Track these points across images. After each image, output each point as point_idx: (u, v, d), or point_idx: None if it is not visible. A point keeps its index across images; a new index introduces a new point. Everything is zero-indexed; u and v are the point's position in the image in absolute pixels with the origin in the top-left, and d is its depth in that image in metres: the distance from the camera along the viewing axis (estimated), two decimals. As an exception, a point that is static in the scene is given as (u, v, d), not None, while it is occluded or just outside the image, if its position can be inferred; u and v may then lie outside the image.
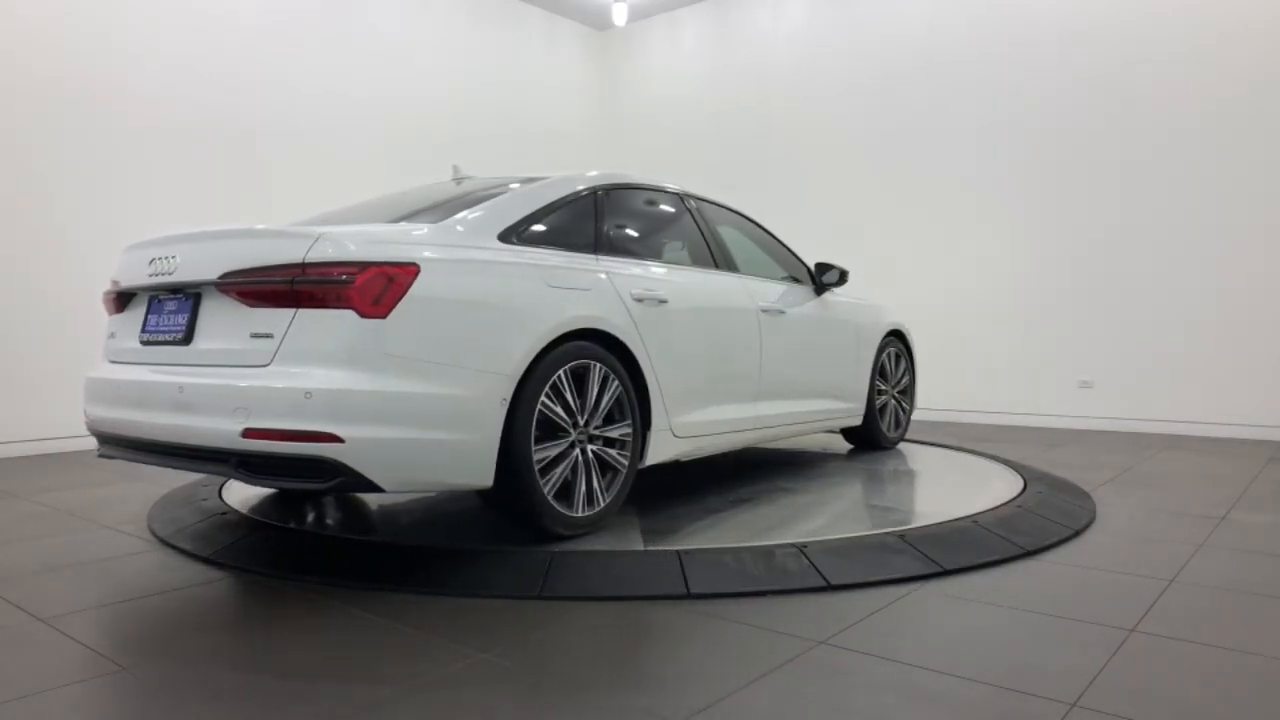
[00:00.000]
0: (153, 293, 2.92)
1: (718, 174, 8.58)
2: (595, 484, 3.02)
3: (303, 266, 2.48)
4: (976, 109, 7.32)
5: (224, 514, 3.40)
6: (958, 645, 2.14)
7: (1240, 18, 6.16)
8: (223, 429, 2.45)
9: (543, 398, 2.82)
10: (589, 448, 3.01)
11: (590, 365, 2.99)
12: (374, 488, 2.46)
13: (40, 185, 5.62)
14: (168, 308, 2.85)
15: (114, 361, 3.04)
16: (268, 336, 2.51)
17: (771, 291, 4.15)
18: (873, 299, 5.24)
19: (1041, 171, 7.00)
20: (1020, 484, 3.93)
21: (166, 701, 1.84)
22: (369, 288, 2.48)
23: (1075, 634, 2.22)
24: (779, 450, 5.21)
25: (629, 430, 3.14)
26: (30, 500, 4.07)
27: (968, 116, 7.36)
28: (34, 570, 2.88)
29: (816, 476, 4.24)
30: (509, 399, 2.71)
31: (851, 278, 4.67)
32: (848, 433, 5.12)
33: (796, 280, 4.49)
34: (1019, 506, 3.44)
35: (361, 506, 3.64)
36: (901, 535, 2.96)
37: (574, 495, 2.93)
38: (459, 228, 2.89)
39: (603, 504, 3.05)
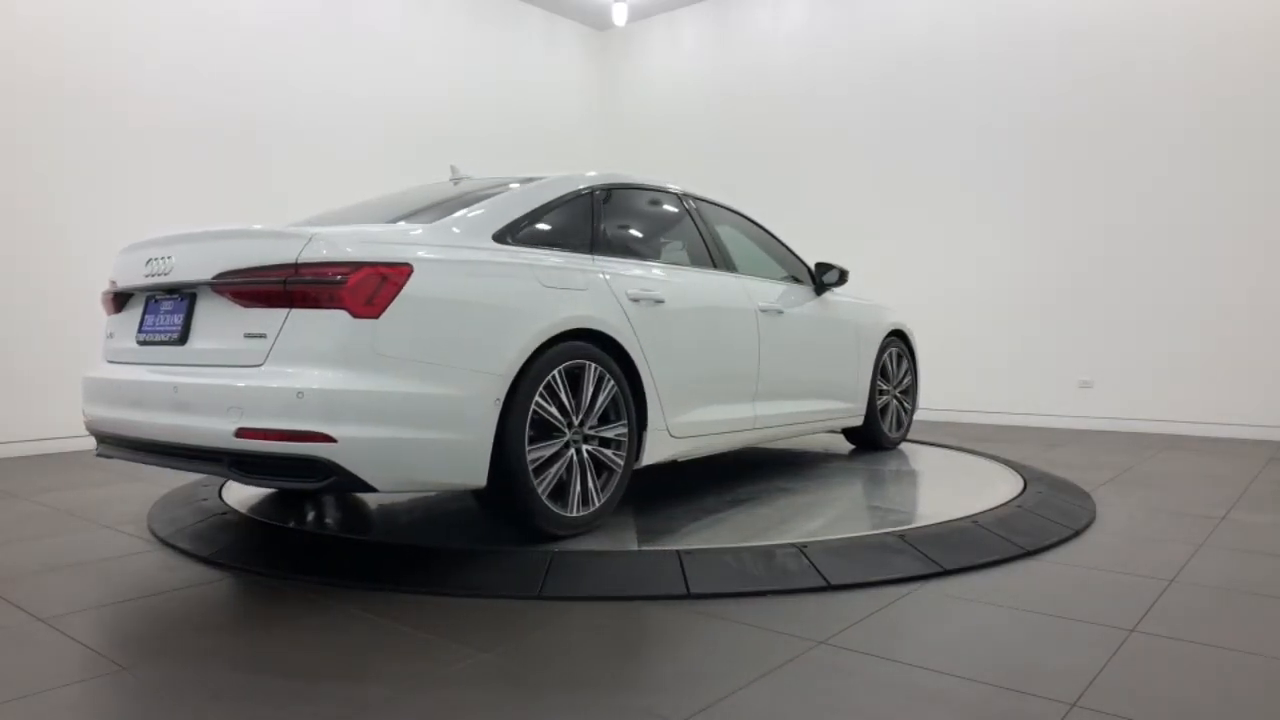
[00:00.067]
0: (149, 293, 2.93)
1: (718, 174, 8.58)
2: (590, 484, 3.02)
3: (295, 267, 2.49)
4: (977, 109, 7.32)
5: (224, 514, 3.40)
6: (958, 645, 2.14)
7: (1240, 18, 6.16)
8: (216, 429, 2.47)
9: (537, 398, 2.82)
10: (584, 448, 3.01)
11: (585, 365, 2.99)
12: (367, 487, 2.46)
13: (40, 185, 5.62)
14: (164, 308, 2.86)
15: (112, 361, 3.06)
16: (261, 336, 2.52)
17: (770, 291, 4.15)
18: (874, 299, 5.24)
19: (1042, 171, 7.00)
20: (1020, 484, 3.93)
21: (166, 701, 1.84)
22: (361, 288, 2.48)
23: (1075, 634, 2.22)
24: (780, 450, 5.21)
25: (624, 430, 3.14)
26: (30, 500, 4.07)
27: (968, 116, 7.36)
28: (34, 570, 2.88)
29: (817, 476, 4.24)
30: (502, 399, 2.71)
31: (852, 277, 4.67)
32: (849, 433, 5.11)
33: (796, 280, 4.49)
34: (1019, 506, 3.44)
35: (361, 506, 3.64)
36: (902, 535, 2.96)
37: (569, 495, 2.93)
38: (453, 228, 2.90)
39: (598, 504, 3.05)
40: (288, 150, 6.85)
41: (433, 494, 3.79)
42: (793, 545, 2.81)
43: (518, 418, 2.75)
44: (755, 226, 4.49)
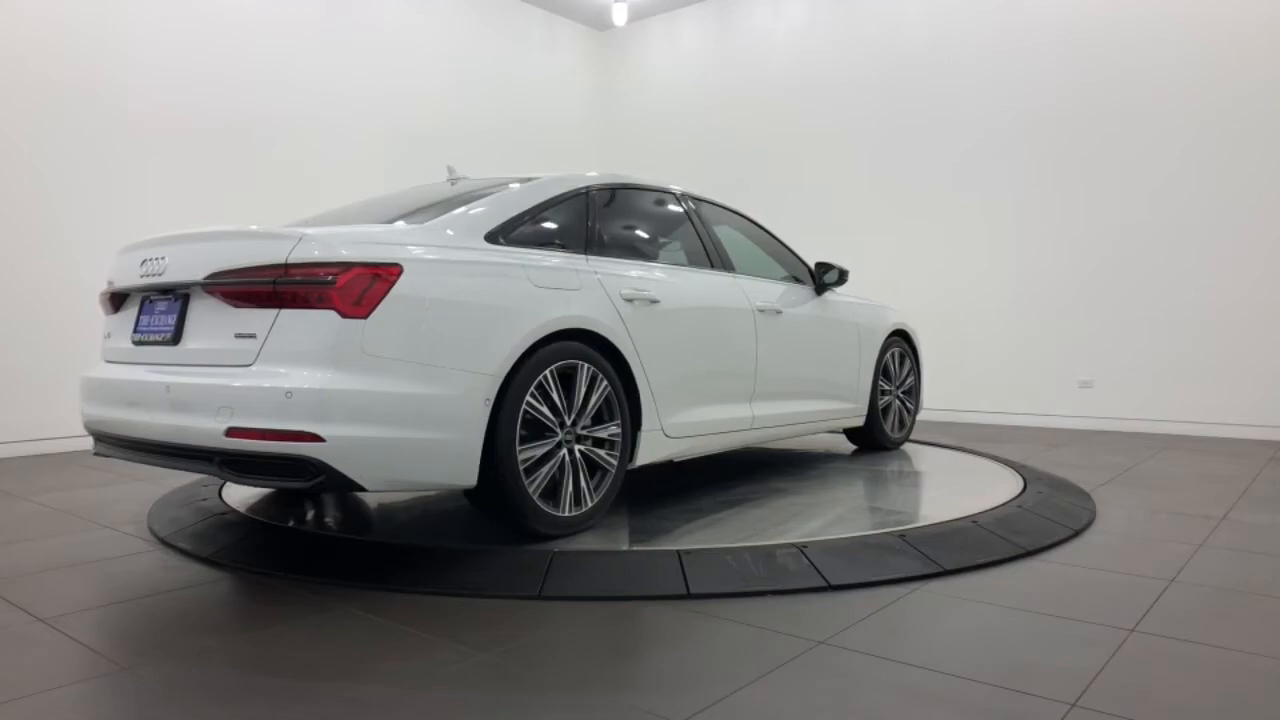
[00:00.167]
0: (144, 293, 2.94)
1: (717, 174, 8.58)
2: (583, 484, 3.02)
3: (285, 267, 2.50)
4: (977, 109, 7.31)
5: (224, 514, 3.40)
6: (958, 645, 2.14)
7: (1242, 19, 6.16)
8: (207, 428, 2.48)
9: (528, 398, 2.82)
10: (576, 448, 3.01)
11: (578, 365, 2.99)
12: (356, 487, 2.47)
13: (39, 185, 5.62)
14: (158, 308, 2.87)
15: (109, 361, 3.09)
16: (251, 336, 2.53)
17: (769, 291, 4.14)
18: (877, 299, 5.24)
19: (1042, 171, 7.00)
20: (1020, 484, 3.93)
21: (166, 701, 1.84)
22: (350, 288, 2.49)
23: (1075, 634, 2.22)
24: (780, 451, 5.21)
25: (618, 430, 3.14)
26: (30, 500, 4.07)
27: (967, 116, 7.36)
28: (34, 570, 2.88)
29: (816, 477, 4.24)
30: (493, 399, 2.71)
31: (852, 277, 4.66)
32: (851, 433, 5.11)
33: (796, 280, 4.48)
34: (1019, 506, 3.44)
35: (361, 506, 3.64)
36: (902, 535, 2.95)
37: (561, 495, 2.93)
38: (446, 228, 2.90)
39: (590, 504, 3.04)
40: (287, 150, 6.85)
41: (431, 494, 3.79)
42: (793, 545, 2.81)
43: (508, 417, 2.75)
44: (755, 227, 4.49)
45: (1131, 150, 6.59)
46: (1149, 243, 6.53)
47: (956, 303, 7.36)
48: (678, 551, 2.75)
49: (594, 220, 3.42)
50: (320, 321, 2.46)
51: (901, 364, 5.21)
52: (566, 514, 2.95)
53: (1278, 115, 6.04)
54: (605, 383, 3.09)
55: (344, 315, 2.47)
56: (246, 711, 1.78)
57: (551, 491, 2.91)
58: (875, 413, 4.91)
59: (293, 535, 3.16)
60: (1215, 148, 6.26)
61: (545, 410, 2.89)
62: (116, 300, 3.09)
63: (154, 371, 2.77)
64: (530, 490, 2.81)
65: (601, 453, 3.10)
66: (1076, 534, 3.26)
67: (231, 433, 2.43)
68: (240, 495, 3.76)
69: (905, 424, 5.28)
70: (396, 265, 2.58)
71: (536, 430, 2.87)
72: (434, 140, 7.83)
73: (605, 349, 3.13)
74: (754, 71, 8.67)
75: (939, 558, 2.80)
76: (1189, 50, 6.35)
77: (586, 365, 3.02)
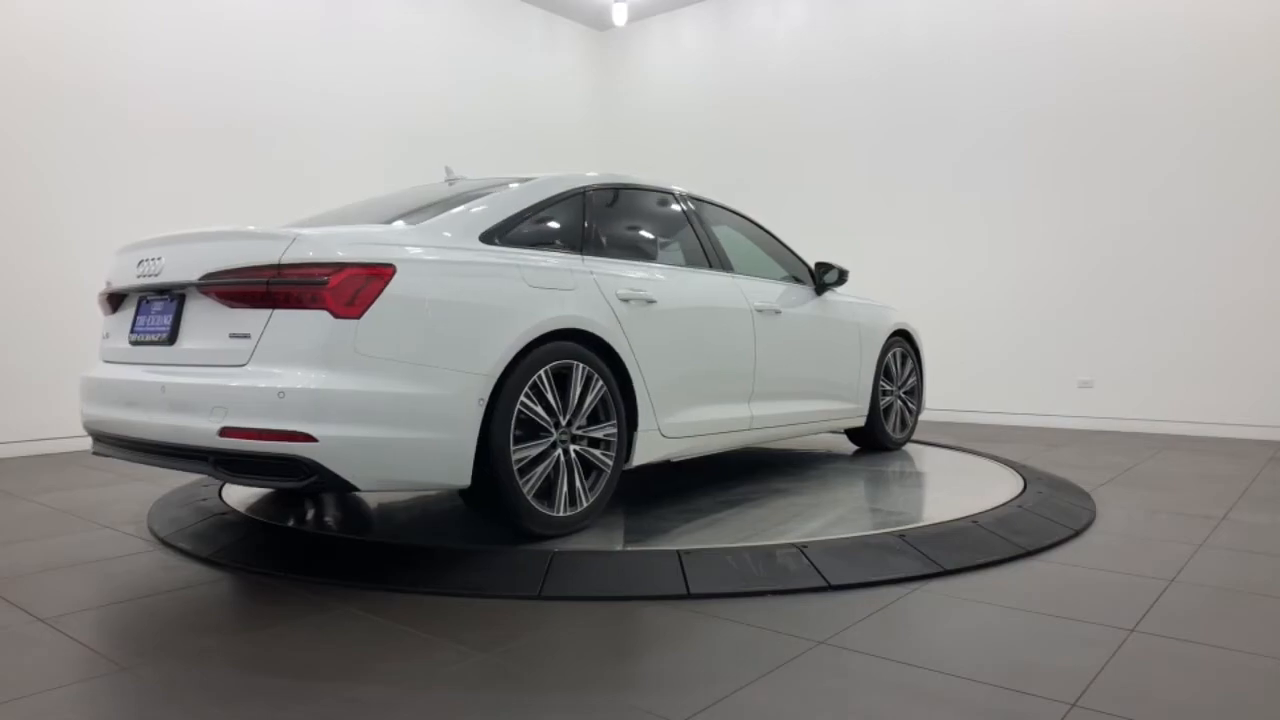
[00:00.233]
0: (141, 294, 2.95)
1: (717, 174, 8.58)
2: (578, 484, 3.01)
3: (279, 268, 2.51)
4: (977, 109, 7.31)
5: (224, 514, 3.40)
6: (958, 645, 2.14)
7: (1242, 19, 6.16)
8: (201, 428, 2.49)
9: (522, 397, 2.81)
10: (572, 448, 3.01)
11: (573, 365, 2.99)
12: (349, 486, 2.47)
13: (40, 185, 5.62)
14: (154, 308, 2.88)
15: (107, 361, 3.09)
16: (245, 337, 2.54)
17: (768, 291, 4.14)
18: (878, 299, 5.24)
19: (1042, 171, 7.00)
20: (1020, 484, 3.93)
21: (166, 701, 1.84)
22: (343, 288, 2.49)
23: (1075, 634, 2.22)
24: (780, 451, 5.21)
25: (614, 430, 3.14)
26: (30, 500, 4.07)
27: (967, 116, 7.36)
28: (34, 570, 2.88)
29: (818, 477, 4.24)
30: (486, 399, 2.71)
31: (852, 277, 4.66)
32: (852, 434, 5.11)
33: (796, 280, 4.48)
34: (1019, 506, 3.44)
35: (361, 506, 3.64)
36: (902, 535, 2.95)
37: (556, 495, 2.93)
38: (440, 229, 2.90)
39: (585, 504, 3.04)
40: (287, 150, 6.85)
41: (431, 494, 3.79)
42: (793, 545, 2.81)
43: (502, 418, 2.75)
44: (754, 227, 4.48)
45: (1131, 150, 6.59)
46: (1149, 243, 6.53)
47: (956, 303, 7.36)
48: (678, 551, 2.75)
49: (591, 220, 3.42)
50: (313, 322, 2.47)
51: (903, 364, 5.21)
52: (561, 514, 2.94)
53: (1278, 115, 6.04)
54: (600, 383, 3.09)
55: (337, 315, 2.47)
56: (246, 711, 1.78)
57: (546, 491, 2.91)
58: (876, 413, 4.91)
59: (293, 535, 3.16)
60: (1215, 148, 6.26)
61: (540, 410, 2.89)
62: (114, 300, 3.10)
63: (150, 371, 2.78)
64: (524, 490, 2.81)
65: (597, 453, 3.09)
66: (1076, 534, 3.26)
67: (225, 433, 2.44)
68: (240, 495, 3.76)
69: (907, 424, 5.27)
70: (390, 265, 2.58)
71: (531, 430, 2.87)
72: (434, 140, 7.83)
73: (601, 349, 3.12)
74: (754, 71, 8.67)
75: (939, 558, 2.80)
76: (1189, 50, 6.35)
77: (581, 365, 3.02)
